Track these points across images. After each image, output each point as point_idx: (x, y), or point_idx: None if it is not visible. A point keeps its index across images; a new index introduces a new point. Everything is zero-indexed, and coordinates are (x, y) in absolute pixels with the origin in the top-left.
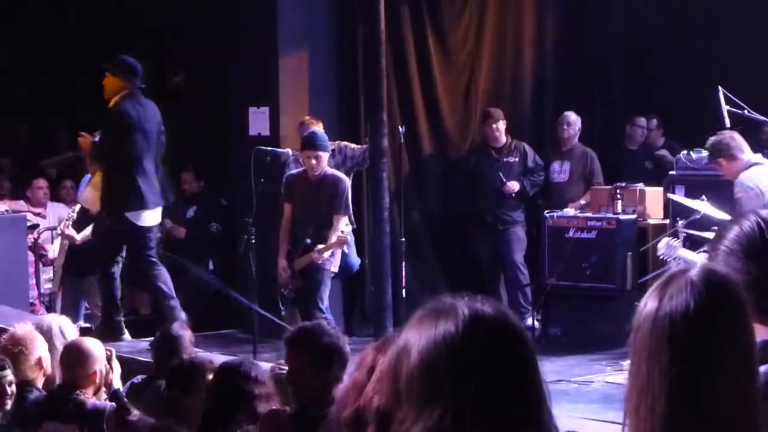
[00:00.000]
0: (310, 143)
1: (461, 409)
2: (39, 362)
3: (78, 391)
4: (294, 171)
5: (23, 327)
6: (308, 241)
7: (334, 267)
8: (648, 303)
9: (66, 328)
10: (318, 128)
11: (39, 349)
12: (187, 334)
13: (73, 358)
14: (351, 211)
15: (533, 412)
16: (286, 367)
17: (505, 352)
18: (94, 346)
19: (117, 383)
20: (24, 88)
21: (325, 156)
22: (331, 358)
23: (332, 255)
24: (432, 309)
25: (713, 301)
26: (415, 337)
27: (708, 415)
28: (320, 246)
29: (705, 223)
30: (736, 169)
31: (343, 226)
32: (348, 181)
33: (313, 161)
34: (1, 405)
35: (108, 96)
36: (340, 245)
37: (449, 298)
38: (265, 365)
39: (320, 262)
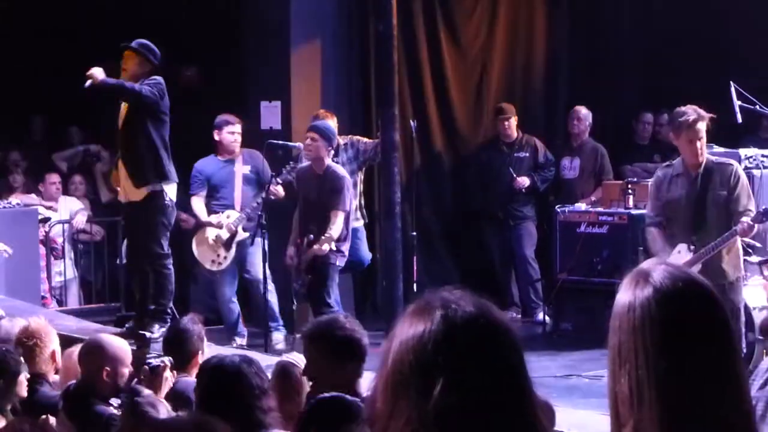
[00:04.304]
0: (313, 125)
1: (424, 411)
2: (53, 355)
3: (96, 396)
4: (303, 164)
5: (37, 320)
6: (311, 237)
7: (341, 261)
8: (619, 303)
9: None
10: (332, 122)
11: (53, 343)
12: (196, 329)
13: (84, 353)
14: (353, 207)
15: (512, 412)
16: (293, 359)
17: (475, 354)
18: (109, 344)
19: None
20: (37, 83)
21: (322, 142)
22: (346, 352)
23: (341, 249)
24: (414, 308)
25: (677, 295)
26: (396, 336)
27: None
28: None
29: None
30: None
31: (341, 222)
32: (349, 178)
33: (308, 141)
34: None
35: (132, 77)
36: (328, 242)
37: (433, 296)
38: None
39: (325, 252)
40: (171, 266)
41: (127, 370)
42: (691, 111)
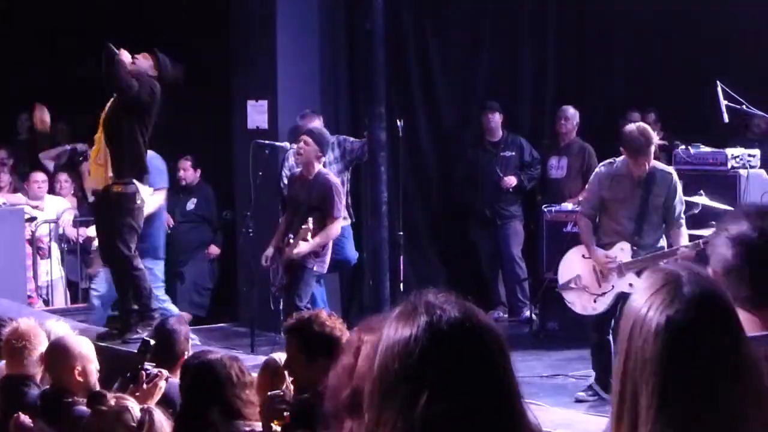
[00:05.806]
0: (309, 129)
1: (411, 418)
2: (41, 358)
3: (71, 398)
4: (297, 170)
5: (27, 321)
6: (291, 236)
7: (319, 267)
8: (642, 309)
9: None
10: (318, 122)
11: (42, 345)
12: (183, 329)
13: (51, 357)
14: (343, 212)
15: (499, 416)
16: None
17: (461, 360)
18: (74, 344)
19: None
20: (23, 81)
21: (313, 146)
22: (322, 349)
23: (321, 255)
24: (399, 312)
25: (705, 306)
26: (380, 341)
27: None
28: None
29: (703, 218)
30: None
31: (332, 231)
32: (339, 184)
33: (301, 143)
34: None
35: (136, 71)
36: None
37: (418, 300)
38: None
39: (296, 255)
40: (140, 266)
41: (95, 368)
42: (641, 138)
